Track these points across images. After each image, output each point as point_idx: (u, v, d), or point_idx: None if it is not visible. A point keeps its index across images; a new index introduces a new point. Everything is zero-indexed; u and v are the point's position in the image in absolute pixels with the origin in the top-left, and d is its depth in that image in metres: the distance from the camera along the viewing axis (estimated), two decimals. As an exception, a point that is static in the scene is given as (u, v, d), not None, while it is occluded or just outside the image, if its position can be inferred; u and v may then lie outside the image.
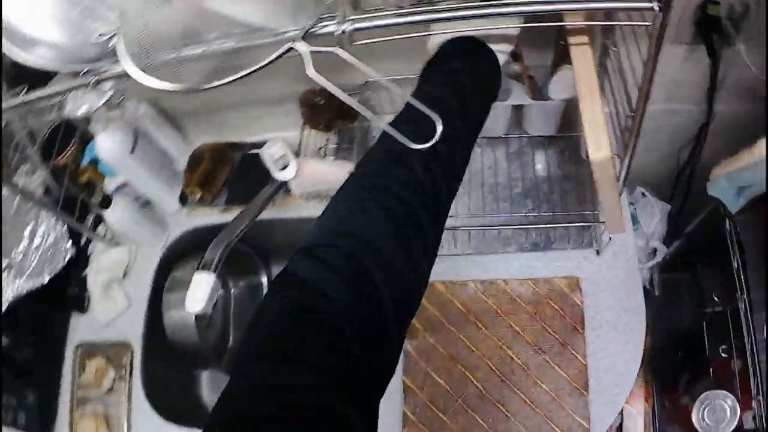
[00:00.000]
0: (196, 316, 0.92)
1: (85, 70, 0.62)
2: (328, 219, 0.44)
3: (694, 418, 0.96)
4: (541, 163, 0.95)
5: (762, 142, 0.80)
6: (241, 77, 0.51)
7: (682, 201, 1.10)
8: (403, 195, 0.44)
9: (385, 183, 0.45)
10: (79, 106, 0.67)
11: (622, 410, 1.23)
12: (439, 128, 0.44)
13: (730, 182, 0.87)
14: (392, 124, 0.48)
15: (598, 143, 0.61)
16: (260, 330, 0.36)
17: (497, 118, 0.91)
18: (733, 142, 0.99)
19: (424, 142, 0.43)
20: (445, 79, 0.54)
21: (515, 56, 0.83)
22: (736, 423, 0.94)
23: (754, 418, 0.97)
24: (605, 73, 0.78)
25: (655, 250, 1.10)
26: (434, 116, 0.44)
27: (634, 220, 1.05)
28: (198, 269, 0.74)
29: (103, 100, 0.67)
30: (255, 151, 0.99)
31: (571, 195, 0.91)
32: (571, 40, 0.61)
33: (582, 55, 0.62)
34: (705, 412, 0.96)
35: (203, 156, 0.96)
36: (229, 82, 0.51)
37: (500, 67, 0.60)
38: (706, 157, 1.05)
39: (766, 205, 0.90)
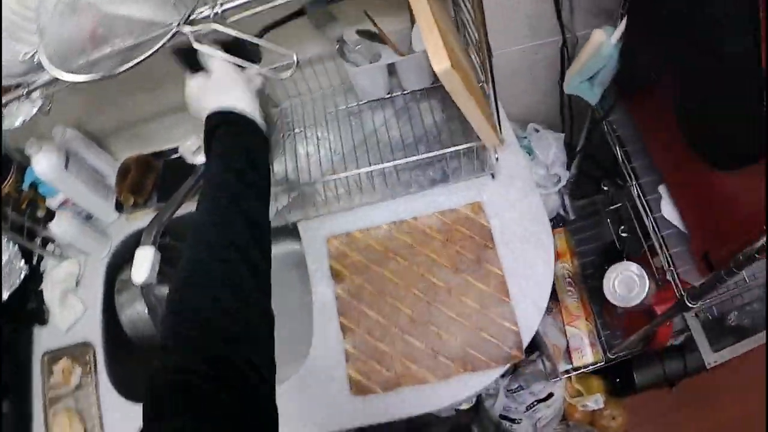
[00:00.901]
0: (145, 297, 1.13)
1: (17, 82, 0.86)
2: (168, 316, 0.61)
3: (606, 292, 1.15)
4: (427, 113, 1.19)
5: (597, 31, 1.03)
6: (142, 61, 0.78)
7: (570, 126, 1.34)
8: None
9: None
10: (16, 117, 0.90)
11: (565, 332, 1.43)
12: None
13: (581, 76, 1.10)
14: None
15: (437, 57, 0.78)
16: (145, 407, 0.53)
17: (376, 80, 1.16)
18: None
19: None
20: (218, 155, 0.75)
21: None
22: (647, 289, 1.12)
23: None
24: (461, 22, 1.03)
25: (559, 177, 1.33)
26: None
27: (530, 150, 1.29)
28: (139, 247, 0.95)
29: (36, 108, 0.90)
30: (176, 155, 1.23)
31: (458, 131, 1.15)
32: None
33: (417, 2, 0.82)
34: (615, 283, 1.16)
35: (130, 167, 1.20)
36: (135, 65, 0.77)
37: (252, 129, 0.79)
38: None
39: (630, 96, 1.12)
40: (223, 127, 0.77)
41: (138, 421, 0.51)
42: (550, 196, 1.35)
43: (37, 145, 1.07)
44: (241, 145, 0.76)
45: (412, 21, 1.15)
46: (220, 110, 0.78)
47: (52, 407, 1.09)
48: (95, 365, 1.12)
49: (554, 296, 1.52)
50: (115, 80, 0.90)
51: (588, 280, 1.41)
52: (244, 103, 0.79)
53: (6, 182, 1.11)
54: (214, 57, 0.81)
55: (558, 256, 1.55)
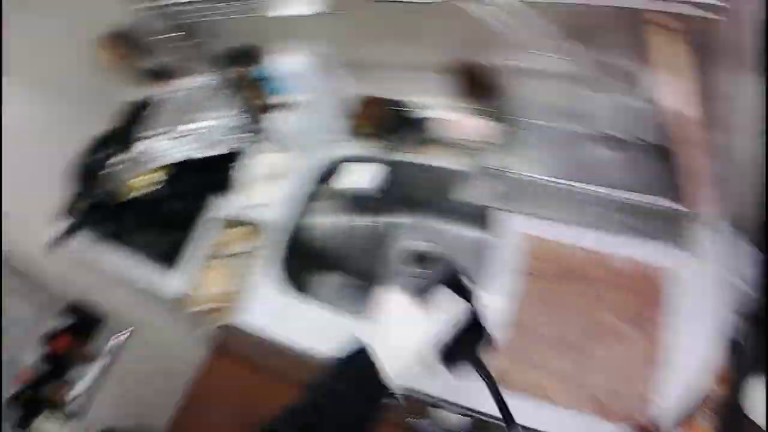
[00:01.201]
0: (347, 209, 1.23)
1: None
2: None
3: (746, 404, 1.05)
4: (649, 165, 1.21)
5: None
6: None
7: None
8: None
9: None
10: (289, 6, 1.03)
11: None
12: None
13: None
14: None
15: (681, 100, 0.83)
16: None
17: (611, 116, 1.19)
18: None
19: None
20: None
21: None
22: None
23: None
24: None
25: (740, 291, 1.29)
26: None
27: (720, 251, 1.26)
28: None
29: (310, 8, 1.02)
30: (406, 108, 1.34)
31: (672, 193, 1.16)
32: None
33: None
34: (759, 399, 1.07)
35: (367, 102, 1.36)
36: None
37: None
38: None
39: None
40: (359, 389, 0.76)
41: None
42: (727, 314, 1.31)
43: (295, 45, 1.22)
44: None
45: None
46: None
47: (210, 260, 1.20)
48: (263, 245, 1.24)
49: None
50: (380, 20, 1.02)
51: (728, 414, 1.33)
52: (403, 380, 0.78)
53: (245, 68, 1.27)
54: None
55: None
